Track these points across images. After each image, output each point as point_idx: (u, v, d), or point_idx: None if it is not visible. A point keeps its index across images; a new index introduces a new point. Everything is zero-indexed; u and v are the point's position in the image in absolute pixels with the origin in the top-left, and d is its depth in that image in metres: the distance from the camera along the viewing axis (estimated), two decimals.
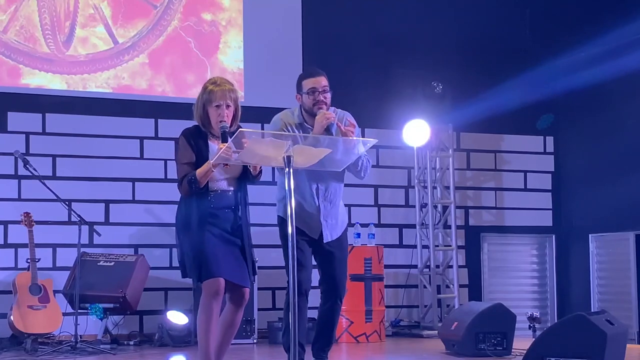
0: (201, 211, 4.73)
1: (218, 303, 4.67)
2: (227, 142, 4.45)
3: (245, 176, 4.82)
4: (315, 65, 9.16)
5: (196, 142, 4.76)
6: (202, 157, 4.73)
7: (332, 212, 5.58)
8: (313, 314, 8.70)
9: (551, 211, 10.16)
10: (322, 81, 5.59)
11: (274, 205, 5.94)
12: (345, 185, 9.28)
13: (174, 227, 4.96)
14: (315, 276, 5.68)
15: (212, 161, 4.55)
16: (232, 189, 4.81)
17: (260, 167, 4.82)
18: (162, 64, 8.90)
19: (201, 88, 4.85)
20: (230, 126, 4.72)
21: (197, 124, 4.83)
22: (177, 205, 4.97)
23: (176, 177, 9.07)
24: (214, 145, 4.73)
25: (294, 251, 4.49)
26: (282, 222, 5.55)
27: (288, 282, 5.35)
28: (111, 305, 7.76)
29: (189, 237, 4.73)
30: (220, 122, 4.70)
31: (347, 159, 4.96)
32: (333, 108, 5.66)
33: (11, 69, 8.46)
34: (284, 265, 5.68)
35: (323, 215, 5.55)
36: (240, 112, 4.82)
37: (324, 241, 5.54)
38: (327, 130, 5.42)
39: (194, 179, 4.66)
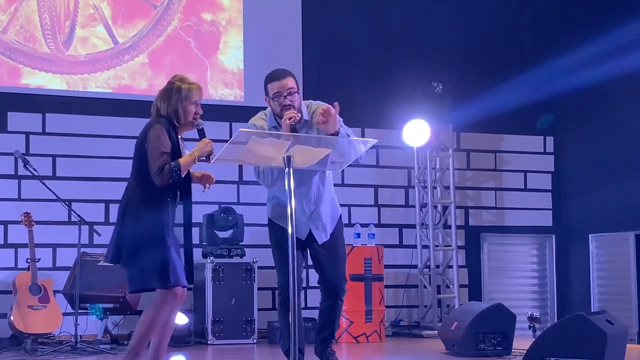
0: (172, 215, 4.81)
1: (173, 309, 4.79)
2: (205, 138, 4.76)
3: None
4: (315, 66, 9.25)
5: (172, 135, 4.78)
6: (177, 150, 4.78)
7: (319, 214, 5.43)
8: (314, 314, 8.71)
9: (551, 211, 10.16)
10: (288, 83, 5.20)
11: None
12: (345, 185, 9.38)
13: (124, 210, 4.84)
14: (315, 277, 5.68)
15: (197, 152, 4.70)
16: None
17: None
18: (162, 64, 8.90)
19: (171, 85, 4.87)
20: None
21: (161, 117, 4.84)
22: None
23: None
24: (182, 146, 4.85)
25: (294, 251, 4.51)
26: (269, 224, 5.50)
27: (279, 283, 5.40)
28: (111, 305, 7.76)
29: (159, 240, 4.73)
30: (196, 119, 4.84)
31: (347, 158, 4.97)
32: (309, 101, 5.39)
33: (11, 69, 8.46)
34: None
35: (308, 217, 5.42)
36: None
37: (319, 243, 5.46)
38: (294, 130, 5.07)
39: (178, 168, 4.69)
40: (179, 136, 4.88)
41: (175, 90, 4.83)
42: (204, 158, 4.77)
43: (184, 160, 4.72)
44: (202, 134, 4.79)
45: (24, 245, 7.71)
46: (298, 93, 5.25)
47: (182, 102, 4.80)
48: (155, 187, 4.72)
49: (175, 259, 4.76)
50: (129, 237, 4.74)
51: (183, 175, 4.70)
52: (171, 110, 4.81)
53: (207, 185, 5.05)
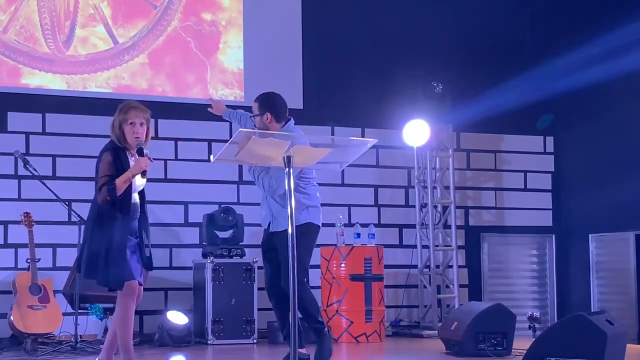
0: (125, 221, 5.29)
1: (135, 302, 5.37)
2: (143, 156, 5.27)
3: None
4: (315, 66, 9.25)
5: (120, 157, 5.33)
6: (125, 169, 5.31)
7: (274, 206, 5.97)
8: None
9: (551, 211, 10.16)
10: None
11: None
12: (345, 185, 9.41)
13: (85, 226, 5.48)
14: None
15: (130, 172, 5.25)
16: (138, 201, 5.44)
17: None
18: (162, 64, 8.90)
19: (117, 111, 5.46)
20: (144, 142, 5.38)
21: (112, 140, 5.41)
22: (92, 206, 5.41)
23: (176, 178, 9.10)
24: (132, 160, 5.37)
25: (294, 251, 4.53)
26: None
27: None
28: (111, 305, 7.73)
29: (109, 241, 5.27)
30: (136, 138, 5.34)
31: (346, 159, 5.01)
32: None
33: (11, 69, 8.46)
34: None
35: (270, 207, 6.01)
36: (151, 132, 5.48)
37: (270, 231, 6.04)
38: None
39: (113, 186, 5.22)
40: (131, 155, 5.39)
41: (116, 115, 5.42)
42: (140, 174, 5.31)
43: (119, 179, 5.24)
44: (140, 152, 5.31)
45: (24, 245, 7.71)
46: (257, 116, 5.99)
47: (120, 125, 5.36)
48: (107, 204, 5.28)
49: (128, 256, 5.31)
50: (94, 249, 5.35)
51: (119, 193, 5.23)
52: (114, 135, 5.38)
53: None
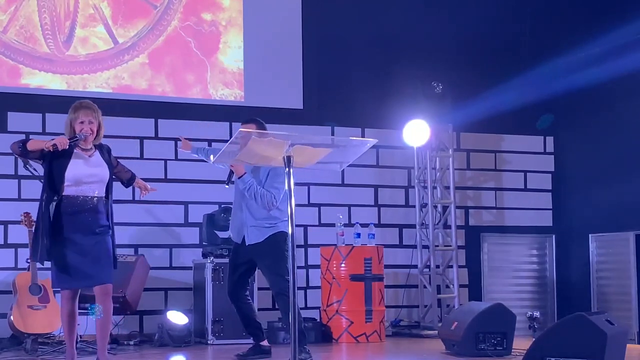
0: (61, 218, 5.60)
1: (74, 304, 5.81)
2: (68, 139, 5.60)
3: (111, 183, 5.85)
4: (315, 66, 9.25)
5: (70, 145, 5.65)
6: (62, 159, 5.61)
7: (250, 220, 6.62)
8: (315, 314, 8.75)
9: (551, 211, 10.16)
10: None
11: None
12: (345, 185, 9.40)
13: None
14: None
15: (48, 143, 5.51)
16: (94, 195, 5.71)
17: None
18: (162, 64, 8.90)
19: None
20: (95, 138, 5.77)
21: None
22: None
23: (175, 177, 9.09)
24: (83, 154, 5.72)
25: (293, 251, 4.52)
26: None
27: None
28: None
29: (51, 243, 5.60)
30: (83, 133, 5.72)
31: (346, 159, 5.00)
32: None
33: (11, 69, 8.46)
34: None
35: (244, 221, 6.64)
36: (103, 129, 5.83)
37: (247, 243, 6.64)
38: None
39: (24, 142, 5.63)
40: (82, 150, 5.74)
41: (68, 114, 5.77)
42: (53, 148, 5.53)
43: (32, 141, 5.65)
44: (71, 137, 5.66)
45: (24, 245, 7.71)
46: None
47: (71, 122, 5.74)
48: (44, 192, 5.64)
49: (68, 261, 5.63)
50: None
51: (28, 149, 5.57)
52: (66, 132, 5.75)
53: (142, 193, 6.26)
